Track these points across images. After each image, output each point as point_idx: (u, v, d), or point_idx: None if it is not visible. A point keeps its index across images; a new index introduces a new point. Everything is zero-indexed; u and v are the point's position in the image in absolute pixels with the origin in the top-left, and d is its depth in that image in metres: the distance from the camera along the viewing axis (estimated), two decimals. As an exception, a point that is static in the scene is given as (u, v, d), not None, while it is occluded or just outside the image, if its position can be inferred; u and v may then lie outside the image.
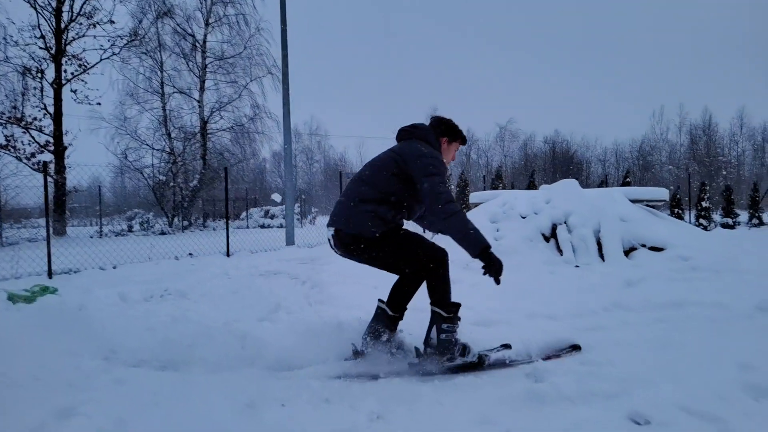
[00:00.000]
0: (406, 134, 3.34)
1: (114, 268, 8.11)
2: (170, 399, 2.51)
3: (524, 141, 55.05)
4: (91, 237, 16.94)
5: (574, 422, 2.25)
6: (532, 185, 20.62)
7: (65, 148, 18.23)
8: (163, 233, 18.43)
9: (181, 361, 3.31)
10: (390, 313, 3.23)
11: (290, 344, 3.75)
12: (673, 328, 3.87)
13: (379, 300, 3.29)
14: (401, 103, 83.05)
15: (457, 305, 3.10)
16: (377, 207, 3.04)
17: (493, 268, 2.86)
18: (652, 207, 8.68)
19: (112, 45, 19.28)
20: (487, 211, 7.71)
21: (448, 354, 2.98)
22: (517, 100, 79.71)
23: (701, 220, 19.67)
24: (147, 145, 22.10)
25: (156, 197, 21.05)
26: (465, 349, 3.01)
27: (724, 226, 18.96)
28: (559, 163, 48.84)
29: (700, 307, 4.45)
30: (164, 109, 22.64)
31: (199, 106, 23.19)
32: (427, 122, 3.51)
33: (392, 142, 3.43)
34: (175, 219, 21.26)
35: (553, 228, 7.03)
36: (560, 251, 6.73)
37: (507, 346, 3.14)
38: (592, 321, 4.20)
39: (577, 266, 6.35)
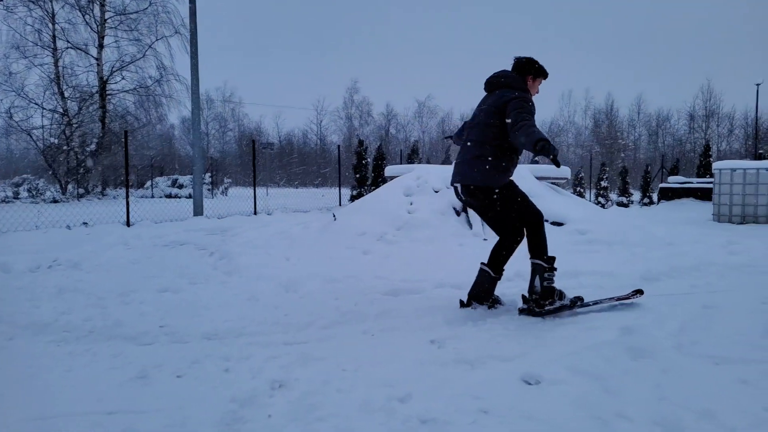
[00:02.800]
0: (495, 85, 3.65)
1: (-5, 236, 7.36)
2: (49, 370, 2.31)
3: (442, 118, 56.22)
4: (-29, 203, 15.28)
5: (472, 384, 2.32)
6: (447, 161, 21.10)
7: (-63, 102, 16.21)
8: (55, 201, 16.98)
9: (66, 332, 3.06)
10: (492, 275, 3.65)
11: (195, 314, 3.61)
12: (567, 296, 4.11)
13: (482, 263, 3.70)
14: (321, 75, 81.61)
15: (554, 258, 3.53)
16: (494, 160, 3.46)
17: (546, 155, 3.08)
18: (556, 184, 9.15)
19: (-7, -10, 17.23)
20: (402, 185, 7.76)
21: (549, 298, 3.46)
22: (436, 77, 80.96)
23: (600, 198, 21.14)
24: (36, 104, 20.03)
25: (47, 162, 19.26)
26: (562, 294, 3.54)
27: (620, 204, 20.50)
28: (473, 142, 50.30)
29: (592, 276, 4.77)
30: (57, 66, 20.61)
31: (98, 65, 21.33)
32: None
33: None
34: (70, 186, 19.62)
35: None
36: (470, 224, 6.93)
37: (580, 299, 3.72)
38: (496, 290, 4.36)
39: (485, 239, 6.56)
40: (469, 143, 3.61)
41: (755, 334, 2.93)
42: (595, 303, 3.65)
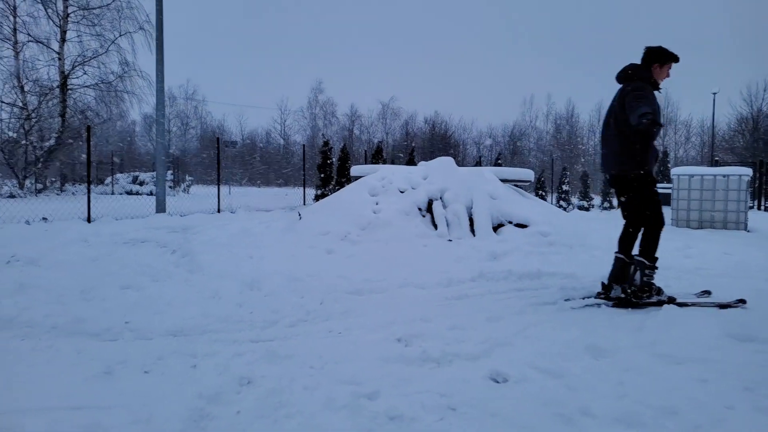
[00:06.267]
0: (622, 78, 4.06)
1: (-54, 232, 7.04)
2: (11, 366, 2.24)
3: (406, 120, 56.29)
4: None
5: (439, 382, 2.36)
6: (411, 162, 21.22)
7: None
8: (12, 196, 16.36)
9: (28, 328, 2.98)
10: (626, 260, 4.04)
11: (158, 311, 3.55)
12: (530, 296, 4.22)
13: (616, 252, 4.12)
14: (285, 75, 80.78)
15: (656, 258, 3.92)
16: (634, 148, 3.85)
17: (644, 127, 3.56)
18: (520, 187, 9.34)
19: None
20: (367, 185, 7.79)
21: (647, 292, 3.86)
22: (400, 79, 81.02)
23: (561, 202, 21.59)
24: (-6, 97, 19.26)
25: (4, 156, 18.55)
26: (660, 291, 3.91)
27: (581, 208, 20.97)
28: (437, 143, 50.63)
29: (554, 278, 4.89)
30: (17, 59, 19.87)
31: (59, 59, 20.63)
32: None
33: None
34: (27, 181, 18.94)
35: (429, 203, 7.29)
36: (435, 225, 7.00)
37: (707, 293, 4.11)
38: (459, 290, 4.44)
39: (449, 240, 6.65)
40: (611, 136, 4.02)
41: (711, 334, 3.01)
42: (693, 304, 3.80)
